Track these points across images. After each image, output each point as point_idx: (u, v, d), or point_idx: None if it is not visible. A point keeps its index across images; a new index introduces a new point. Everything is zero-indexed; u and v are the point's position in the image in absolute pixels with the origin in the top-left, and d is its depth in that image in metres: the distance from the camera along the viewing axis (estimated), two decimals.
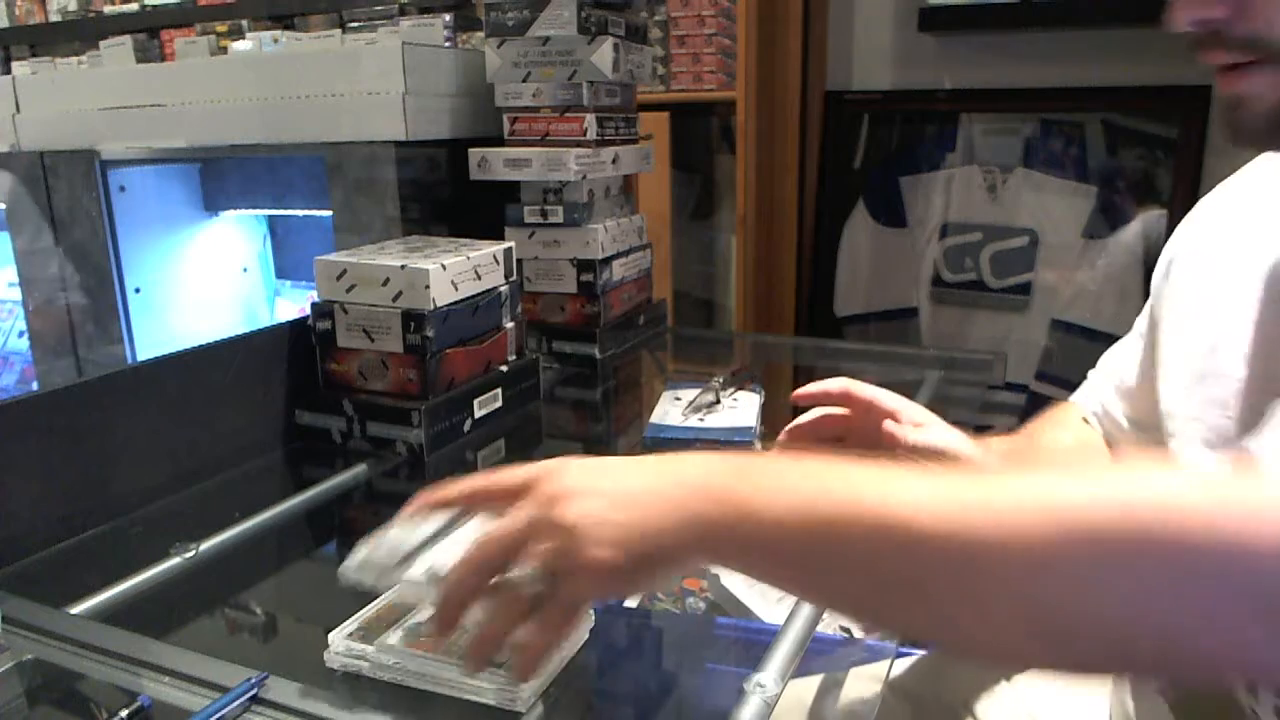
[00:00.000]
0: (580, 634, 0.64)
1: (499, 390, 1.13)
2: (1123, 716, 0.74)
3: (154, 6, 2.51)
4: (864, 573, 0.44)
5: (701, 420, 1.06)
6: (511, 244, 1.17)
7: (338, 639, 0.61)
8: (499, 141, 1.35)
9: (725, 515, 0.46)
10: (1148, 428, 0.73)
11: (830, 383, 0.76)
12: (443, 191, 1.41)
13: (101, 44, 2.08)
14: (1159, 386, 0.65)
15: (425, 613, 0.62)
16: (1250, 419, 0.54)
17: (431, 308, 1.01)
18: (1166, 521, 0.38)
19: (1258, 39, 0.46)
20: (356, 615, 0.63)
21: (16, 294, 1.92)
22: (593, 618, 0.66)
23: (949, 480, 0.43)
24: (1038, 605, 0.39)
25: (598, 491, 0.49)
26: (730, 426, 1.03)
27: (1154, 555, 0.38)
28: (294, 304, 1.96)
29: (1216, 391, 0.58)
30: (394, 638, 0.60)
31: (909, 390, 0.80)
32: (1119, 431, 0.77)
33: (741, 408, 1.09)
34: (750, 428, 1.03)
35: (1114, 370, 0.78)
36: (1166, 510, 0.38)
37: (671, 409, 1.10)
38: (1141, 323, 0.75)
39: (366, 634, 0.61)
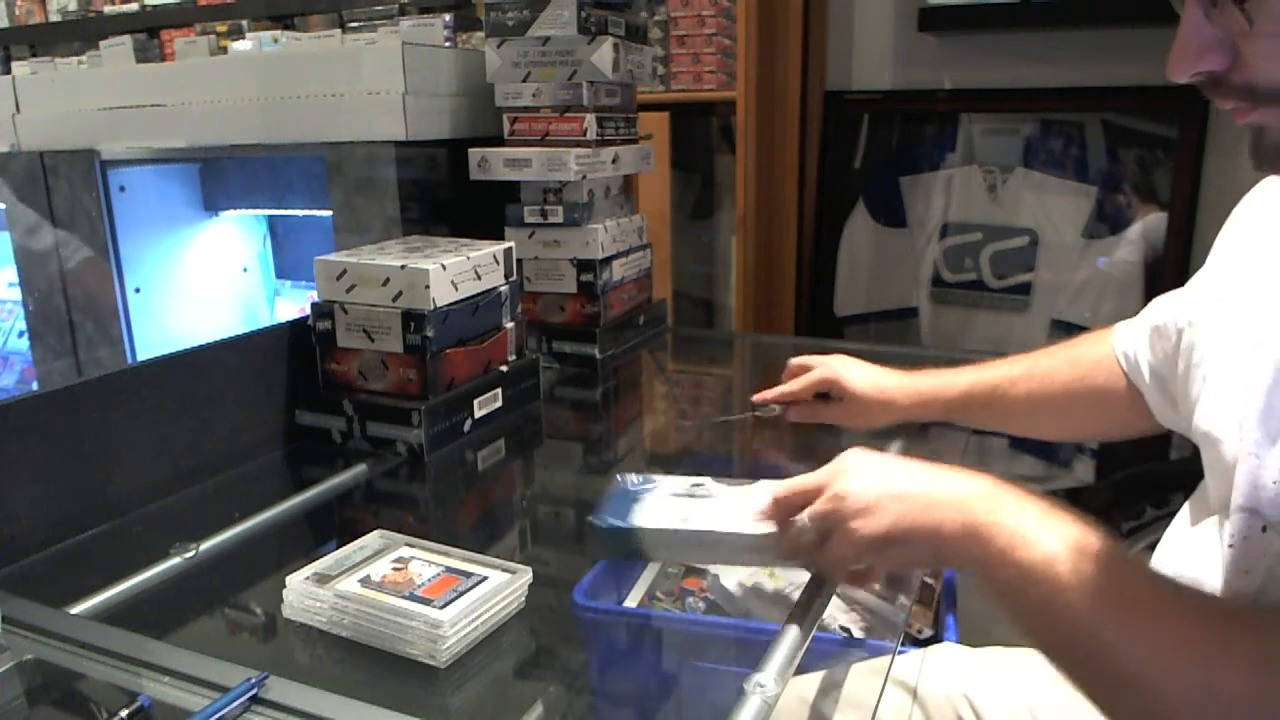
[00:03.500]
0: (509, 610, 0.70)
1: (499, 390, 1.13)
2: None
3: (154, 6, 2.51)
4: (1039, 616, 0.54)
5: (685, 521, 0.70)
6: (511, 244, 1.17)
7: (295, 582, 0.67)
8: (499, 141, 1.35)
9: (958, 535, 0.57)
10: (1165, 387, 0.77)
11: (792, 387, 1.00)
12: (443, 191, 1.41)
13: (101, 44, 2.07)
14: (1194, 394, 0.65)
15: (376, 565, 0.72)
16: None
17: (431, 308, 1.01)
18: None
19: (1255, 88, 0.48)
20: (312, 564, 0.71)
21: (16, 294, 1.92)
22: (523, 601, 0.70)
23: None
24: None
25: (874, 481, 0.62)
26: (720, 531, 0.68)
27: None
28: (294, 304, 1.96)
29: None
30: (347, 584, 0.68)
31: None
32: (1140, 382, 0.80)
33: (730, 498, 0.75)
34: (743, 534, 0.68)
35: (1154, 323, 0.79)
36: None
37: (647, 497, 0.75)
38: (1186, 308, 0.74)
39: (322, 580, 0.69)
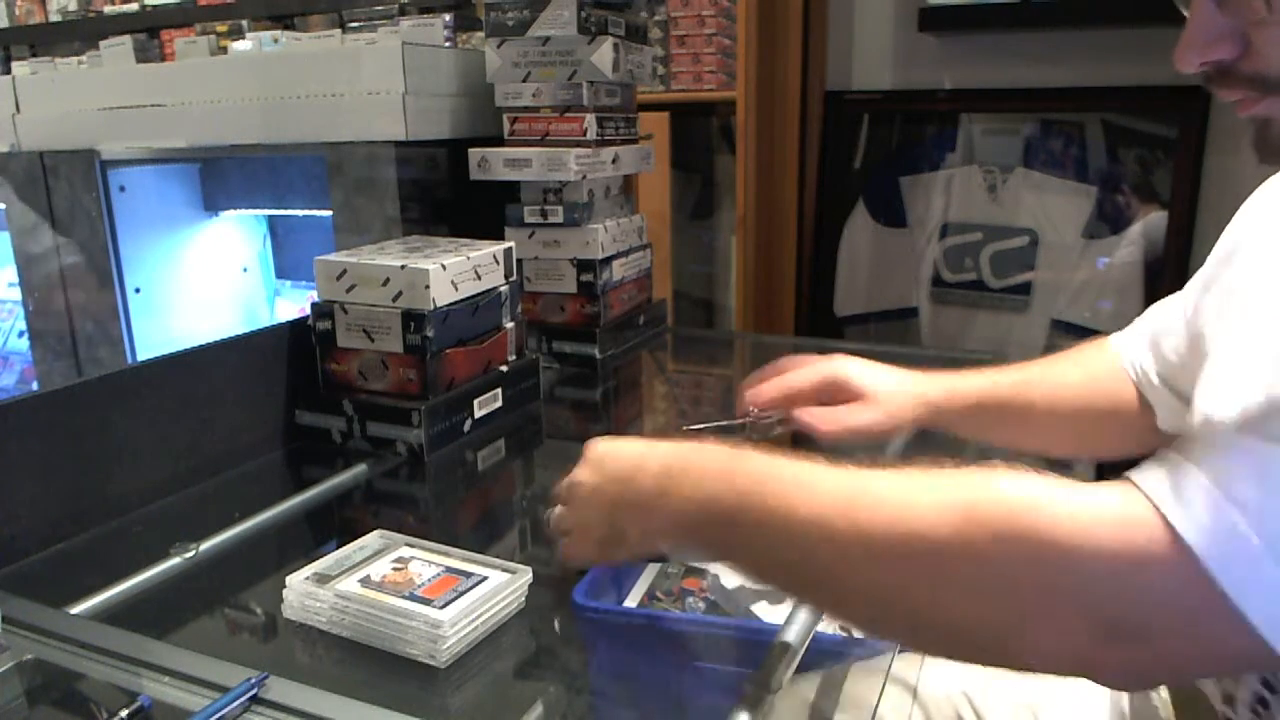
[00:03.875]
0: (509, 610, 0.70)
1: (499, 390, 1.13)
2: (1119, 711, 0.75)
3: (154, 6, 2.51)
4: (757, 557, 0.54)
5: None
6: (511, 244, 1.17)
7: (295, 582, 0.67)
8: (499, 141, 1.35)
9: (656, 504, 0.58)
10: (1180, 391, 0.75)
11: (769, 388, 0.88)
12: (443, 191, 1.41)
13: (101, 44, 2.07)
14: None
15: (376, 565, 0.72)
16: None
17: (431, 308, 1.01)
18: (1013, 523, 0.44)
19: (1265, 77, 0.48)
20: (312, 564, 0.71)
21: (16, 294, 1.92)
22: (523, 601, 0.71)
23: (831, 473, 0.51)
24: (891, 592, 0.48)
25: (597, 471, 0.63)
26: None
27: (998, 553, 0.44)
28: (294, 304, 1.96)
29: None
30: (347, 584, 0.68)
31: None
32: (1150, 387, 0.78)
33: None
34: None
35: (1155, 331, 0.78)
36: (1014, 513, 0.44)
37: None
38: (1189, 300, 0.73)
39: (322, 580, 0.69)
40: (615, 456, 0.63)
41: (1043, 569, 0.43)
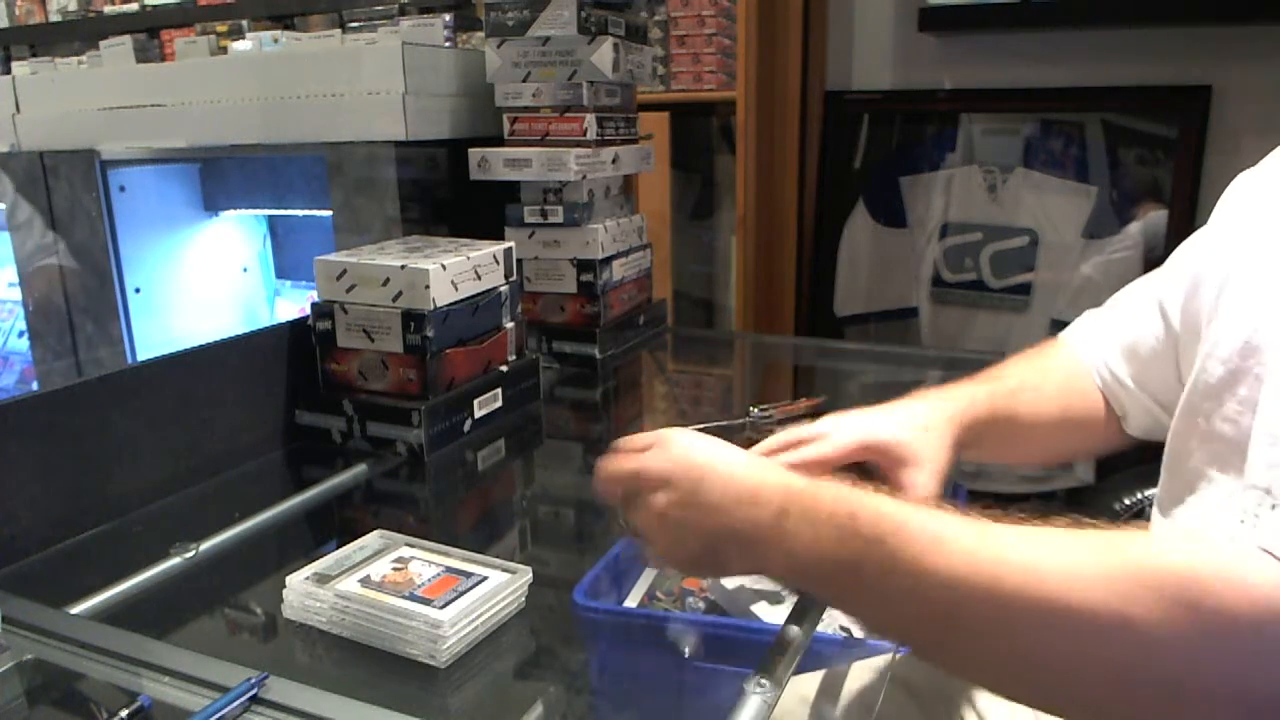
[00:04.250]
0: (509, 610, 0.70)
1: (499, 390, 1.13)
2: None
3: (154, 6, 2.51)
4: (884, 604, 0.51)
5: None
6: (511, 244, 1.17)
7: (295, 582, 0.68)
8: (499, 141, 1.35)
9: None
10: (1155, 393, 0.74)
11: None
12: (443, 191, 1.41)
13: (101, 44, 2.07)
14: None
15: (376, 565, 0.72)
16: None
17: (431, 308, 1.01)
18: (1182, 595, 0.41)
19: None
20: (312, 564, 0.71)
21: (16, 294, 1.92)
22: (523, 601, 0.70)
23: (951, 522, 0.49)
24: (1029, 662, 0.46)
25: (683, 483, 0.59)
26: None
27: (1164, 630, 0.41)
28: (294, 304, 1.96)
29: (1244, 392, 0.56)
30: (347, 584, 0.68)
31: (908, 391, 0.80)
32: (1122, 391, 0.76)
33: None
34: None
35: (1123, 334, 0.77)
36: (1182, 584, 0.42)
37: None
38: (1158, 298, 0.73)
39: (322, 580, 0.69)
40: (713, 482, 0.59)
41: (1208, 644, 0.41)
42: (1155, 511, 0.68)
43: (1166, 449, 0.66)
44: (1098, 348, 0.80)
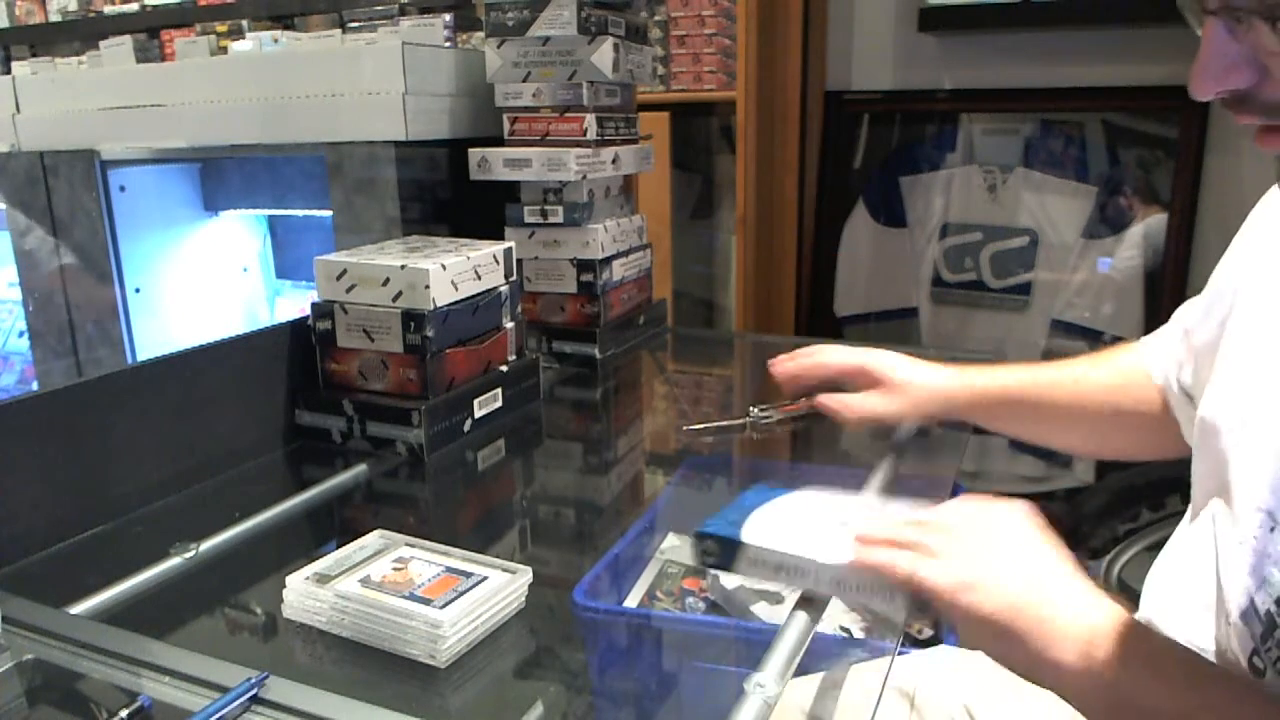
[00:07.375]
0: (509, 610, 0.70)
1: (499, 390, 1.13)
2: None
3: (154, 6, 2.51)
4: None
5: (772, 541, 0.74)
6: (511, 244, 1.17)
7: (295, 582, 0.67)
8: (499, 141, 1.35)
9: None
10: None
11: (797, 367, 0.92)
12: (443, 191, 1.41)
13: (101, 44, 2.08)
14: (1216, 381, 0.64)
15: (376, 565, 0.72)
16: None
17: (431, 308, 1.01)
18: None
19: None
20: (312, 564, 0.71)
21: (16, 294, 1.92)
22: (523, 601, 0.70)
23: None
24: None
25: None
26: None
27: None
28: (294, 304, 1.96)
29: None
30: (347, 584, 0.68)
31: None
32: (1182, 409, 0.76)
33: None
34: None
35: (1188, 339, 0.76)
36: None
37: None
38: (1208, 305, 0.72)
39: (322, 580, 0.69)
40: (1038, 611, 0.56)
41: None
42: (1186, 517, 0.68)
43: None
44: (1165, 350, 0.80)
